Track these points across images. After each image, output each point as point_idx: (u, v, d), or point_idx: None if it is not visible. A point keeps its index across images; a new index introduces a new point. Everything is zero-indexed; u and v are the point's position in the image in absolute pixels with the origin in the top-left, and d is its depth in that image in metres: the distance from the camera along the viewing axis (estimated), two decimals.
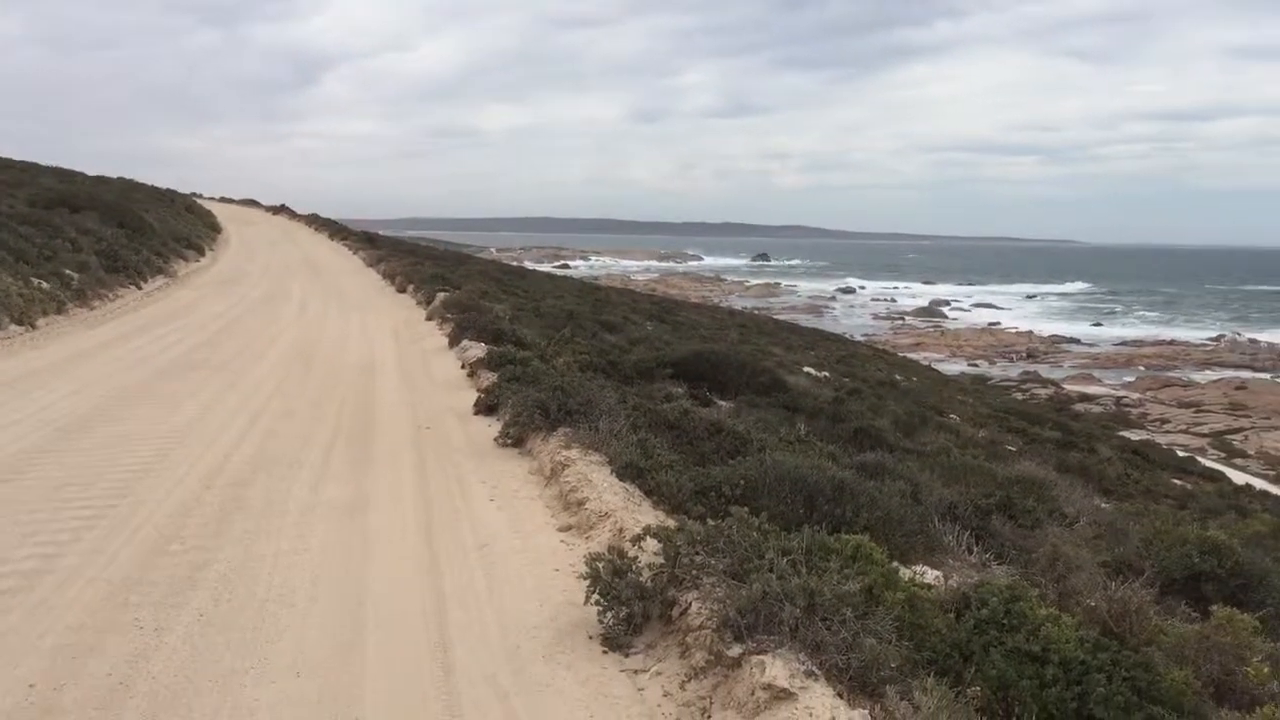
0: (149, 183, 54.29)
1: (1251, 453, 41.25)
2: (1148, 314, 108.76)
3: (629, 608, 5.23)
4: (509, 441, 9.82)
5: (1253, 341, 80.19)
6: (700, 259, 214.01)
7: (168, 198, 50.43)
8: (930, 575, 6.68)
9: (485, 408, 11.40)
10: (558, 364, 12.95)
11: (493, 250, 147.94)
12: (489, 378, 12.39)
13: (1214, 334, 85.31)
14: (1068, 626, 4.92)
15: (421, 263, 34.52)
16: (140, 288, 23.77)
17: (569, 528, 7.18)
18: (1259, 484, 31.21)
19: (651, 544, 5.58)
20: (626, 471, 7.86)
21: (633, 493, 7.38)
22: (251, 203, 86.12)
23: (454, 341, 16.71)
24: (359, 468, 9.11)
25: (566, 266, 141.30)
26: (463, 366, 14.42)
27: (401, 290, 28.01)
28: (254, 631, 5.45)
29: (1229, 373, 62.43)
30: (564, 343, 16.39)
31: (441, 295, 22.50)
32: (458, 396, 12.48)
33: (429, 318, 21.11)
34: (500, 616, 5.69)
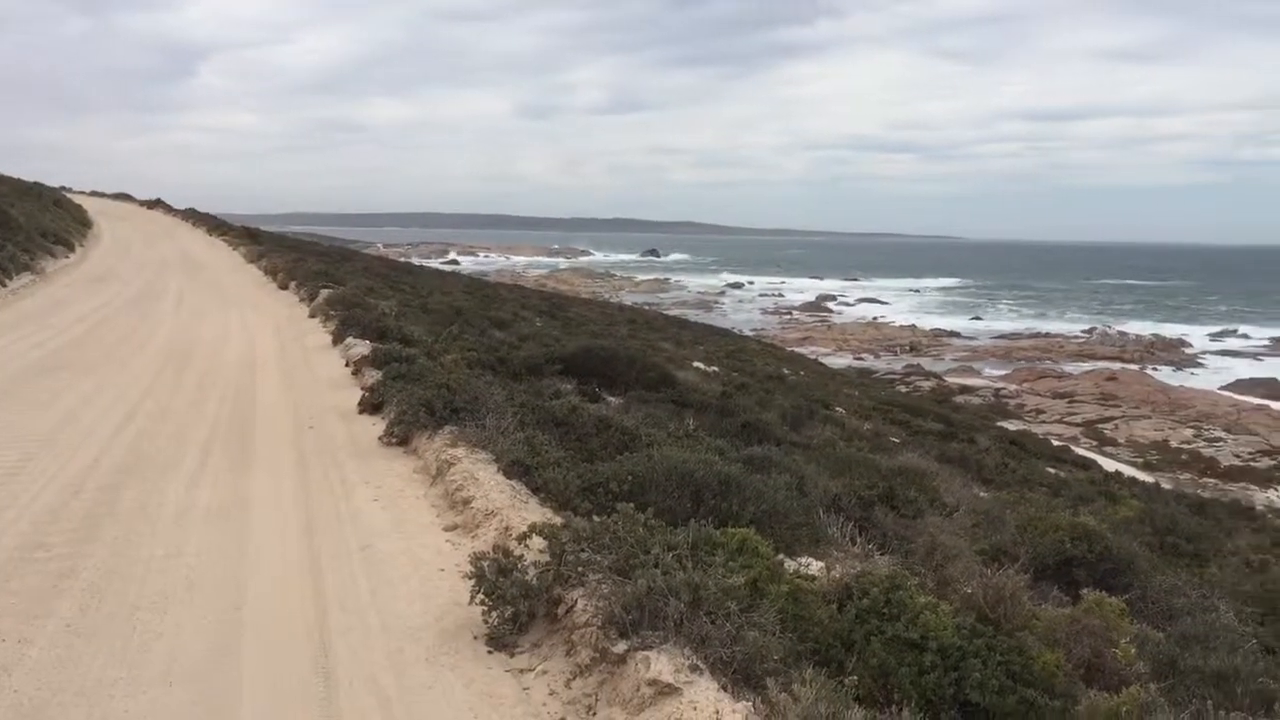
0: (13, 175, 51.96)
1: (1121, 441, 42.94)
2: (1024, 308, 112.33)
3: (514, 607, 5.18)
4: (394, 440, 9.65)
5: (1122, 334, 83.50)
6: (590, 254, 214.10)
7: (34, 191, 48.30)
8: (814, 567, 6.78)
9: (370, 406, 11.19)
10: (445, 361, 12.78)
11: (379, 246, 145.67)
12: (373, 376, 12.17)
13: (1086, 327, 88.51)
14: (945, 614, 5.04)
15: (305, 259, 33.78)
16: (5, 285, 22.76)
17: (454, 527, 7.09)
18: (1128, 471, 32.51)
19: (537, 542, 5.53)
20: (513, 469, 7.80)
21: (519, 490, 7.32)
22: (125, 197, 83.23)
23: (338, 339, 16.38)
24: (237, 469, 8.85)
25: (455, 263, 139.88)
26: (347, 364, 14.14)
27: (284, 287, 27.37)
28: (124, 640, 5.25)
29: (1100, 364, 64.83)
30: (451, 340, 16.20)
31: (325, 292, 22.03)
32: (341, 395, 12.23)
33: (312, 315, 20.67)
34: (383, 618, 5.59)
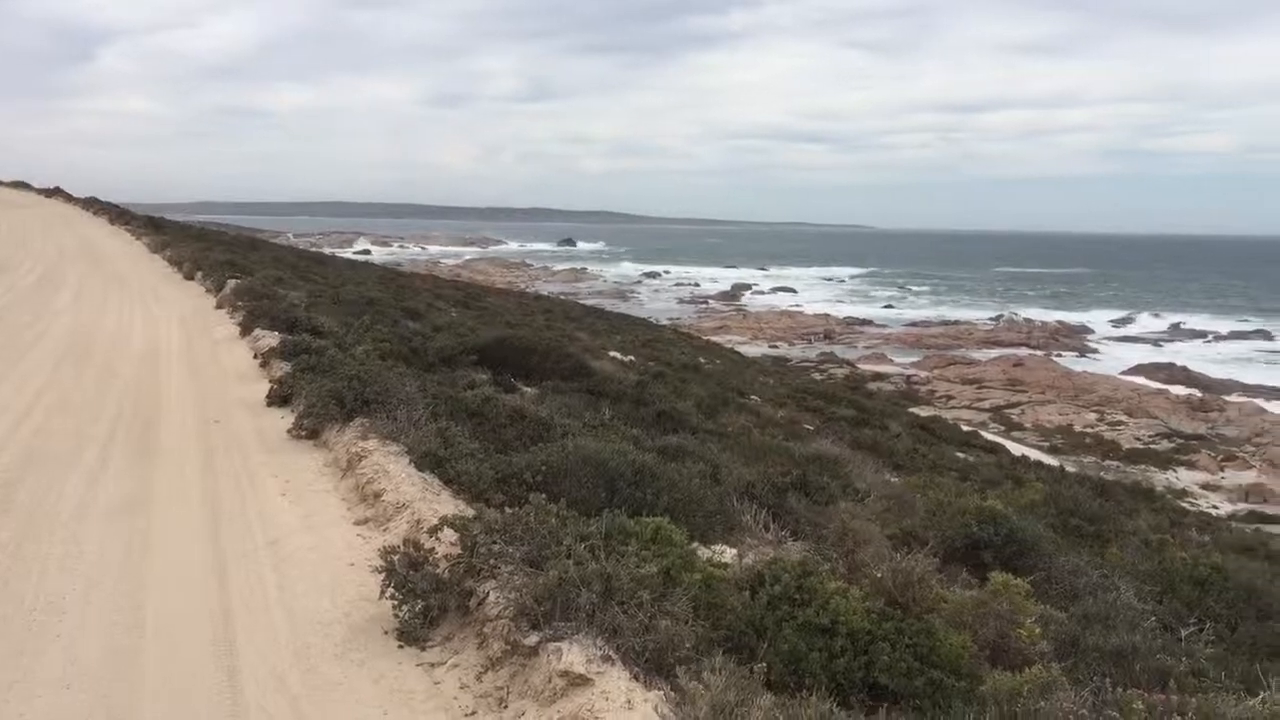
0: None
1: (1028, 425, 44.01)
2: (934, 297, 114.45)
3: (425, 600, 5.12)
4: (303, 433, 9.48)
5: (1028, 321, 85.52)
6: (504, 243, 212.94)
7: None
8: (728, 554, 6.82)
9: (278, 399, 10.97)
10: (356, 353, 12.59)
11: (289, 235, 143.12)
12: (282, 368, 11.94)
13: (993, 315, 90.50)
14: (855, 599, 5.10)
15: (211, 248, 33.00)
16: None
17: (365, 520, 6.99)
18: (1034, 455, 33.32)
19: (449, 534, 5.48)
20: (425, 461, 7.71)
21: (431, 483, 7.24)
22: (22, 185, 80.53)
23: (245, 331, 16.03)
24: (140, 465, 8.61)
25: (368, 252, 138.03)
26: (255, 356, 13.85)
27: (189, 278, 26.71)
28: (19, 643, 5.07)
29: (1007, 351, 66.34)
30: (363, 331, 15.97)
31: (232, 282, 21.54)
32: (249, 388, 11.97)
33: (219, 306, 20.20)
34: (290, 615, 5.48)
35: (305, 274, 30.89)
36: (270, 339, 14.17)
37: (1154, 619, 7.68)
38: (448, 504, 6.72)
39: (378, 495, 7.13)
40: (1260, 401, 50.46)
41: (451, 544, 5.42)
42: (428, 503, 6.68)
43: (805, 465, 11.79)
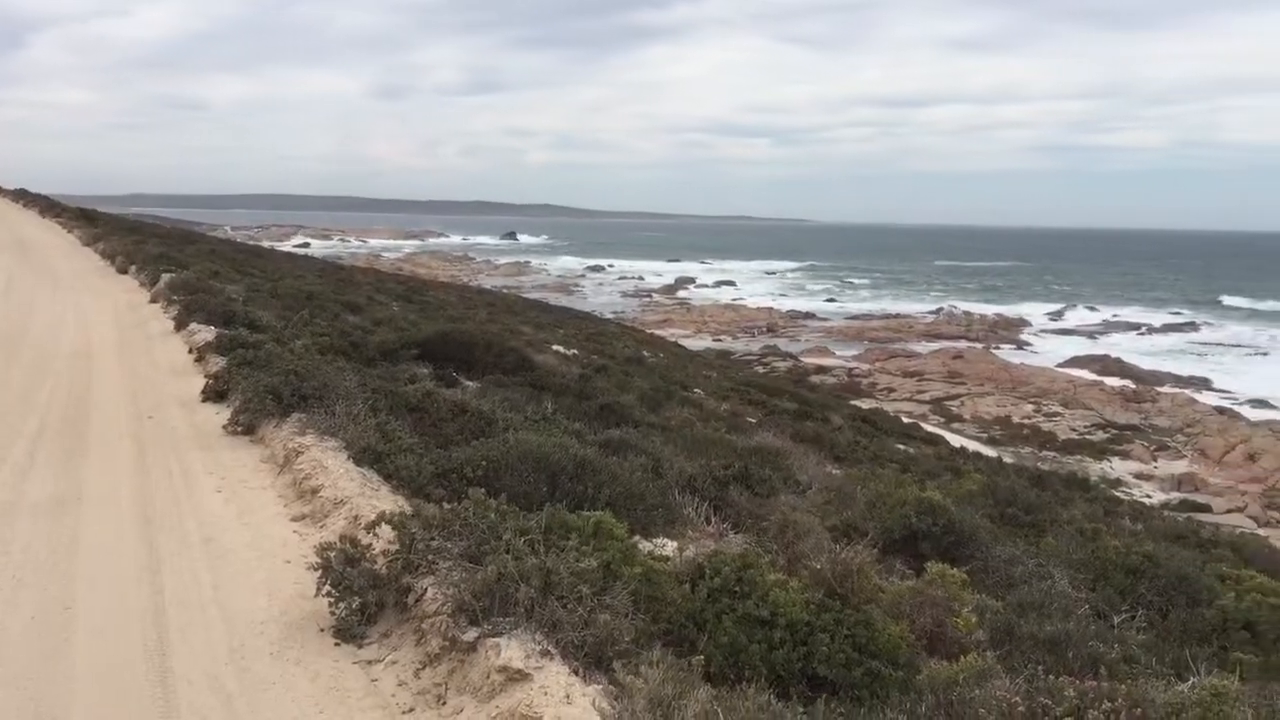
0: None
1: (967, 417, 44.61)
2: (876, 290, 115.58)
3: (362, 597, 5.07)
4: (239, 429, 9.33)
5: (967, 314, 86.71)
6: (446, 236, 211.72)
7: None
8: (669, 547, 6.82)
9: (214, 394, 10.79)
10: (295, 347, 12.42)
11: (227, 229, 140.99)
12: (218, 363, 11.75)
13: (934, 308, 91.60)
14: (795, 590, 5.13)
15: (145, 241, 32.38)
16: None
17: (302, 517, 6.90)
18: (973, 446, 33.79)
19: (387, 530, 5.42)
20: (364, 456, 7.63)
21: (370, 478, 7.16)
22: None
23: (181, 325, 15.75)
24: (70, 462, 8.43)
25: (307, 245, 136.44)
26: (190, 351, 13.61)
27: (123, 271, 26.20)
28: None
29: (947, 344, 67.19)
30: (302, 325, 15.77)
31: (167, 276, 21.14)
32: (184, 383, 11.77)
33: (153, 300, 19.82)
34: (225, 613, 5.40)
35: (243, 267, 30.41)
36: (206, 333, 13.95)
37: (1087, 606, 7.82)
38: (386, 499, 6.65)
39: (315, 491, 7.04)
40: (1191, 392, 51.62)
41: (389, 540, 5.36)
42: (366, 498, 6.61)
43: (747, 458, 11.83)
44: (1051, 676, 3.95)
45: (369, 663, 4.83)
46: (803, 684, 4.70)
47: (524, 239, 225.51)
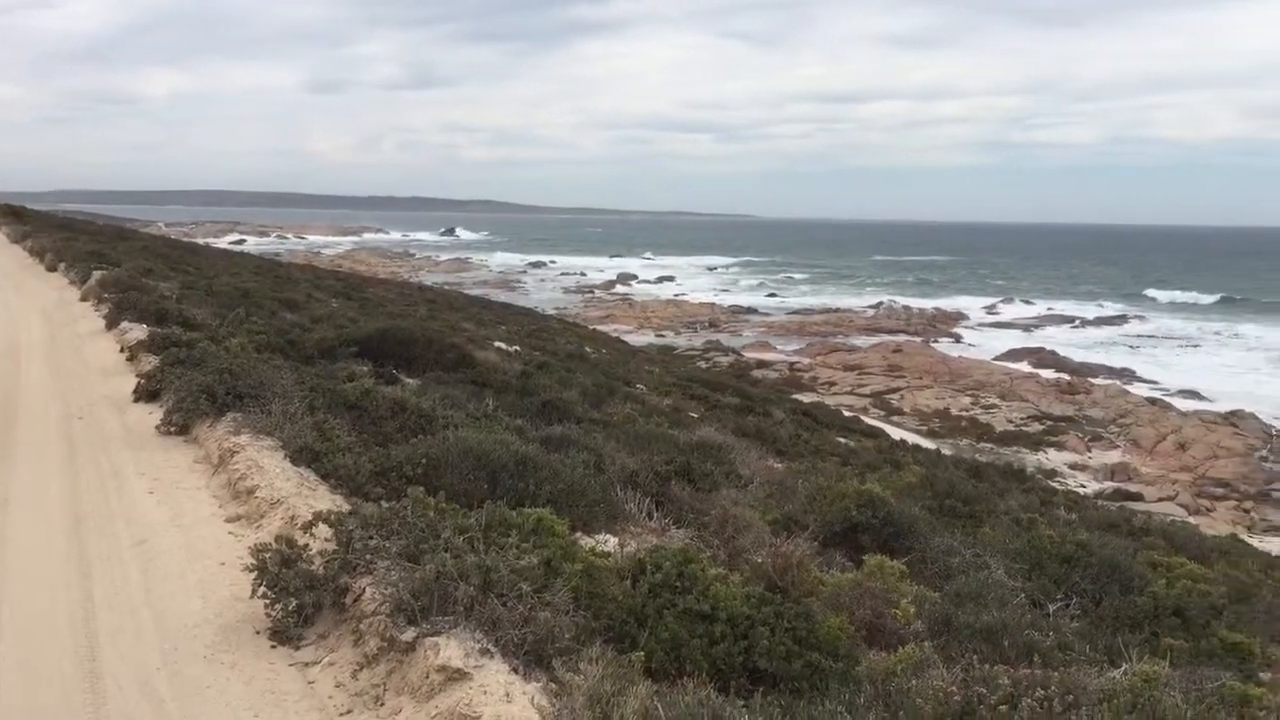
0: None
1: (907, 410, 45.13)
2: (817, 284, 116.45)
3: (299, 598, 5.00)
4: (172, 429, 9.17)
5: (906, 308, 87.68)
6: (385, 233, 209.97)
7: None
8: (610, 543, 6.82)
9: (146, 394, 10.59)
10: (230, 345, 12.21)
11: (161, 225, 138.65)
12: (151, 362, 11.53)
13: (874, 302, 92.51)
14: (735, 585, 5.14)
15: (75, 238, 31.74)
16: None
17: (238, 518, 6.79)
18: (912, 438, 34.20)
19: (324, 530, 5.35)
20: (301, 455, 7.52)
21: (307, 477, 7.07)
22: None
23: (112, 323, 15.44)
24: None
25: (243, 242, 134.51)
26: (122, 350, 13.35)
27: (52, 269, 25.65)
28: None
29: (887, 338, 67.92)
30: (238, 323, 15.51)
31: (98, 274, 20.72)
32: (115, 383, 11.54)
33: (84, 298, 19.43)
34: (158, 617, 5.30)
35: (177, 265, 29.88)
36: (138, 332, 13.69)
37: (1023, 596, 7.93)
38: (324, 499, 6.56)
39: (251, 491, 6.93)
40: (1123, 384, 52.68)
41: (327, 540, 5.29)
42: (303, 498, 6.52)
43: (689, 453, 11.84)
44: (987, 666, 4.00)
45: (306, 664, 4.76)
46: (743, 677, 4.71)
47: (463, 235, 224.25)
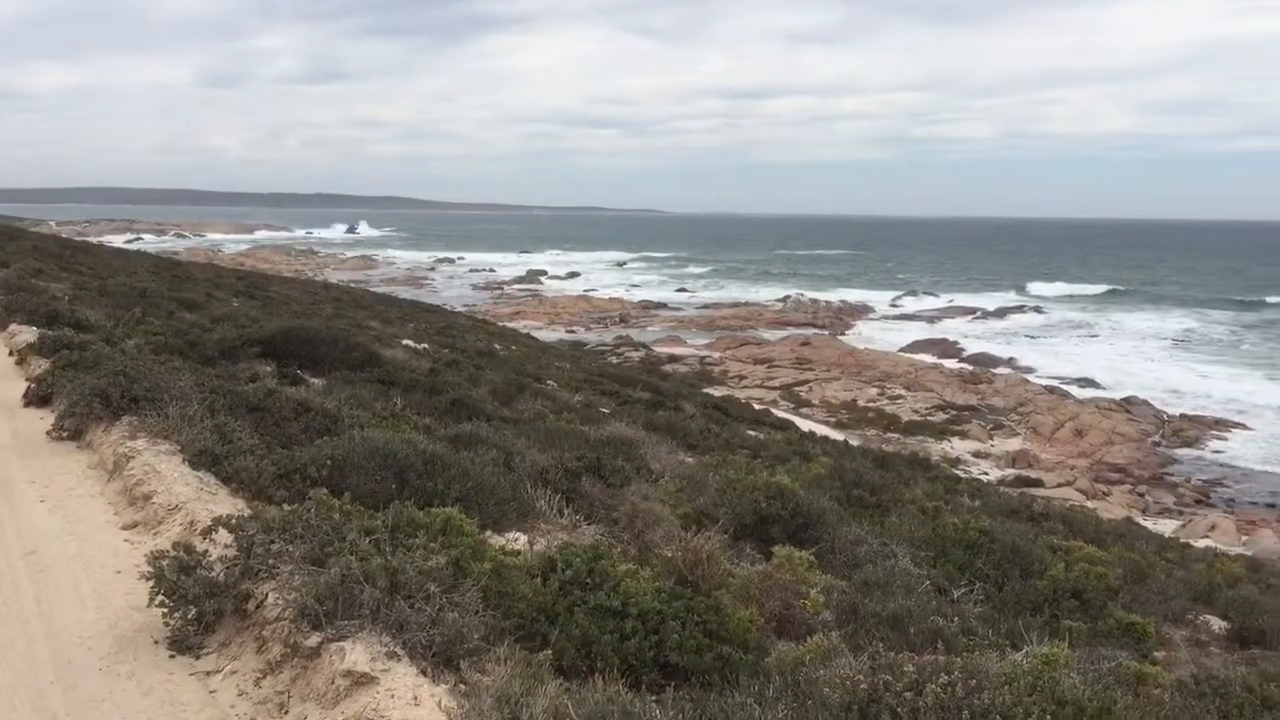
0: None
1: (815, 402, 45.72)
2: (726, 279, 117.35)
3: (198, 606, 4.86)
4: (64, 434, 8.87)
5: (814, 302, 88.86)
6: (288, 230, 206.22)
7: None
8: (521, 541, 6.78)
9: (37, 398, 10.23)
10: (126, 347, 11.87)
11: (52, 224, 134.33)
12: (41, 365, 11.14)
13: (782, 295, 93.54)
14: (646, 580, 5.15)
15: None
16: None
17: (134, 525, 6.58)
18: (821, 430, 34.64)
19: (224, 535, 5.21)
20: (201, 459, 7.33)
21: (207, 481, 6.89)
22: None
23: (0, 326, 14.89)
24: None
25: (140, 240, 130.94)
26: (10, 354, 12.88)
27: None
28: None
29: (796, 331, 68.77)
30: (134, 324, 15.11)
31: None
32: (3, 387, 11.12)
33: None
34: (50, 629, 5.11)
35: (69, 265, 28.96)
36: (28, 334, 13.24)
37: (929, 583, 8.09)
38: (225, 503, 6.40)
39: (148, 497, 6.73)
40: (1023, 373, 54.08)
41: (228, 545, 5.16)
42: (203, 503, 6.35)
43: (600, 449, 11.84)
44: (893, 653, 4.06)
45: (207, 673, 4.63)
46: (655, 672, 4.72)
47: (365, 232, 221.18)
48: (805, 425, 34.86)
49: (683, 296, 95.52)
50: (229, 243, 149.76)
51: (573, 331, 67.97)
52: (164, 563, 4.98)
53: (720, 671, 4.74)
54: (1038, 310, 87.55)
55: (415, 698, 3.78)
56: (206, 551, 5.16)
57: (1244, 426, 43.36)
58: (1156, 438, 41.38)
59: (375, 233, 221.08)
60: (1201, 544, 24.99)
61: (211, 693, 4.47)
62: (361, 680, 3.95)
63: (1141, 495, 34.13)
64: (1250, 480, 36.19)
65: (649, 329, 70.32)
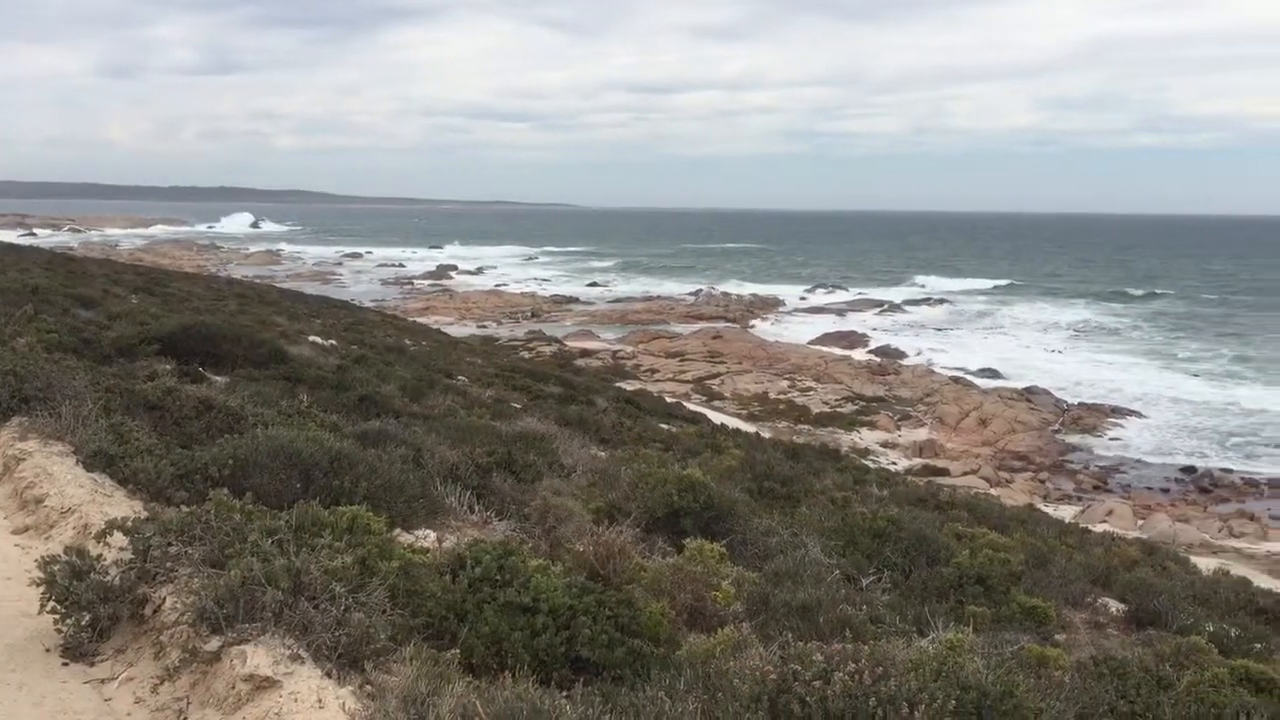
0: None
1: (727, 395, 46.09)
2: (638, 273, 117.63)
3: (92, 612, 4.70)
4: None
5: (725, 295, 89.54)
6: (189, 225, 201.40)
7: None
8: (431, 538, 6.70)
9: None
10: (16, 345, 11.44)
11: None
12: None
13: (693, 289, 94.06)
14: (557, 575, 5.11)
15: None
16: None
17: (25, 529, 6.34)
18: (733, 422, 34.93)
19: (120, 538, 5.04)
20: (96, 460, 7.08)
21: (103, 483, 6.66)
22: None
23: None
24: None
25: (33, 235, 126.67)
26: None
27: None
28: None
29: (708, 324, 69.20)
30: (25, 321, 14.56)
31: None
32: None
33: None
34: None
35: None
36: None
37: (838, 572, 8.19)
38: (121, 505, 6.20)
39: (39, 501, 6.48)
40: (929, 364, 55.20)
41: (123, 549, 4.99)
42: (97, 505, 6.14)
43: (511, 444, 11.77)
44: (802, 643, 4.09)
45: (102, 681, 4.48)
46: (566, 668, 4.69)
47: (268, 227, 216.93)
48: (717, 418, 35.11)
49: (595, 291, 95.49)
50: (127, 238, 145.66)
51: (484, 326, 67.50)
52: (55, 568, 4.80)
53: (632, 666, 4.73)
54: (943, 302, 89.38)
55: (319, 700, 3.70)
56: (101, 555, 4.99)
57: (1139, 414, 44.84)
58: (1056, 426, 42.57)
59: (280, 227, 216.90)
60: (1100, 528, 25.78)
61: (107, 700, 4.32)
62: (263, 684, 3.85)
63: (1043, 482, 35.09)
64: (1145, 466, 37.47)
65: (561, 323, 70.18)
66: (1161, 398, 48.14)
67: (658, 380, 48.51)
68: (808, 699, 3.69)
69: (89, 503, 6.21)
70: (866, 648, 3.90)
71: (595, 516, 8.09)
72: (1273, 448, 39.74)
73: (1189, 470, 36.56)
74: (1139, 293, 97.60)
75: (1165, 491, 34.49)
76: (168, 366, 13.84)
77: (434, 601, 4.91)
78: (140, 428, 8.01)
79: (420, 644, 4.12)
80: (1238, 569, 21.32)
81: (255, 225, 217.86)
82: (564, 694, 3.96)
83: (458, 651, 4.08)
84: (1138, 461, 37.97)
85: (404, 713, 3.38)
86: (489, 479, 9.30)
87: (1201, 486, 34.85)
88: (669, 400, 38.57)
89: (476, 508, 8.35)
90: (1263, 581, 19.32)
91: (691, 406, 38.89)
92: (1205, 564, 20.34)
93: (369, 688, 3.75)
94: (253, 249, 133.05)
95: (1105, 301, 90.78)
